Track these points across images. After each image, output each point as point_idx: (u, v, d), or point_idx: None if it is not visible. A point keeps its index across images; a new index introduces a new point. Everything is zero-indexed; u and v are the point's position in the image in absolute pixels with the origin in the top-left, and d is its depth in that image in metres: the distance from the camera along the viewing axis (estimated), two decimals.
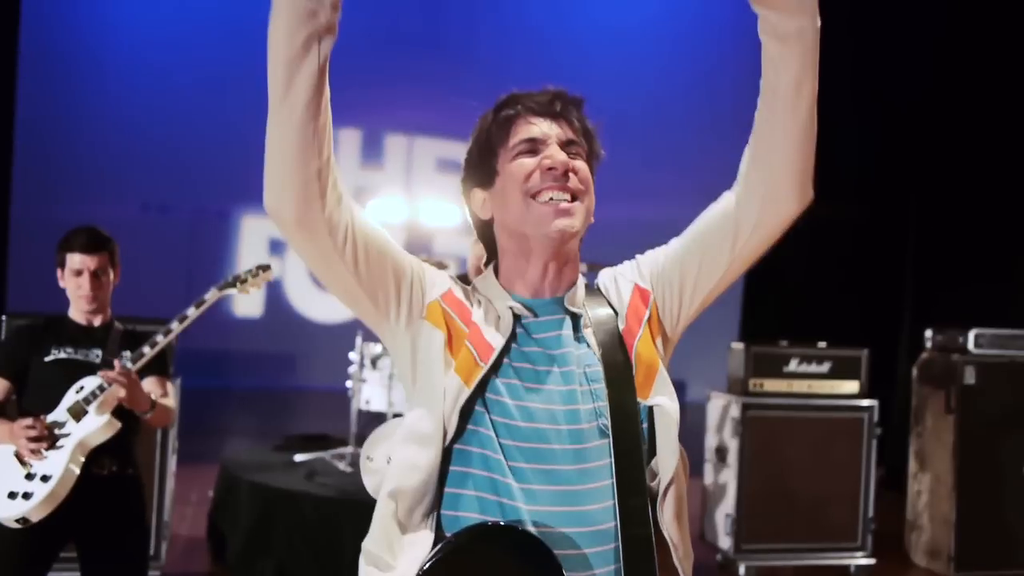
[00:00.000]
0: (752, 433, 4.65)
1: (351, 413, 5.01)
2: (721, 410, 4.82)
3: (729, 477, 4.67)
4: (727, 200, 1.37)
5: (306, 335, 8.05)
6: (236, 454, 5.34)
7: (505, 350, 1.33)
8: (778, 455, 4.66)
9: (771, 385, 4.79)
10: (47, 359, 2.74)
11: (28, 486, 2.61)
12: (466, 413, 1.30)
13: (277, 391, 7.96)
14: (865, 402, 4.85)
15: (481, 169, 1.41)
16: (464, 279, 1.47)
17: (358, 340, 5.07)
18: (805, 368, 4.83)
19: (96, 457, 2.69)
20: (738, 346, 4.91)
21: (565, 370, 1.34)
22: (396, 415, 4.65)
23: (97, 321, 2.85)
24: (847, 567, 4.72)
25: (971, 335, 4.79)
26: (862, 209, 7.18)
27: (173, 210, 7.80)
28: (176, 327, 2.76)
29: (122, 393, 2.64)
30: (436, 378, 1.31)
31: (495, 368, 1.32)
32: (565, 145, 1.37)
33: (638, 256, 1.46)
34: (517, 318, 1.37)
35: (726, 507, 4.68)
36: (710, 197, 1.40)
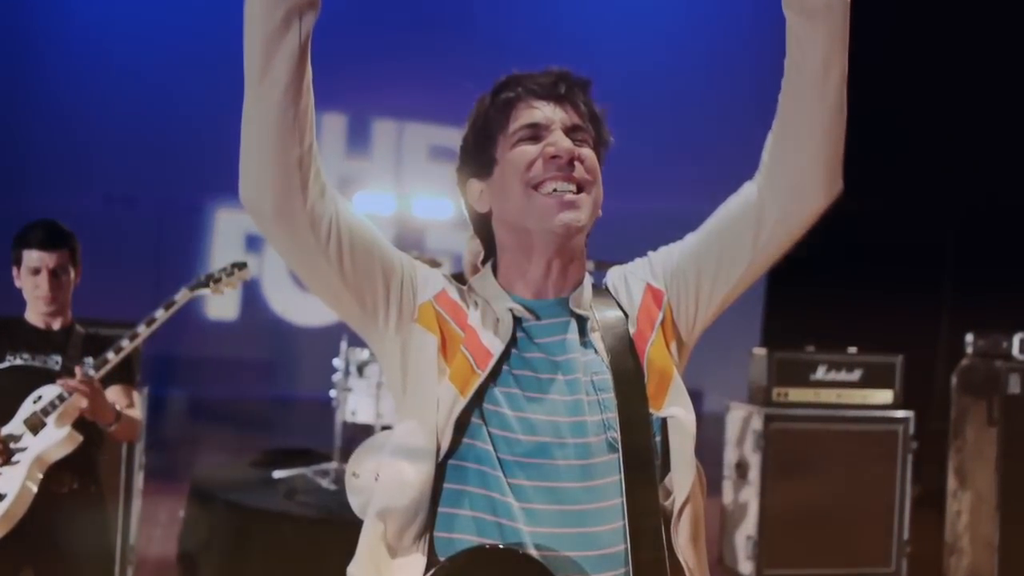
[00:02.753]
0: (775, 447, 4.65)
1: (335, 425, 5.01)
2: (741, 422, 4.82)
3: (750, 495, 4.67)
4: (748, 191, 1.37)
5: (286, 340, 8.05)
6: (209, 470, 5.34)
7: (504, 356, 1.33)
8: (804, 471, 4.66)
9: (796, 395, 4.79)
10: (1, 366, 2.74)
11: None
12: (461, 425, 1.30)
13: (254, 401, 7.96)
14: (899, 413, 4.85)
15: (478, 157, 1.41)
16: (459, 278, 1.47)
17: (343, 345, 5.07)
18: (834, 376, 4.83)
19: (55, 474, 2.69)
20: (760, 352, 4.90)
21: (570, 378, 1.34)
22: (385, 427, 4.65)
23: (56, 324, 2.84)
24: None
25: (1016, 339, 4.79)
26: (897, 201, 7.18)
27: (140, 202, 7.79)
28: (143, 331, 2.76)
29: (84, 403, 2.63)
30: (428, 387, 1.31)
31: (493, 376, 1.32)
32: (570, 131, 1.37)
33: (650, 253, 1.46)
34: (518, 321, 1.37)
35: (747, 528, 4.68)
36: (729, 188, 1.40)
